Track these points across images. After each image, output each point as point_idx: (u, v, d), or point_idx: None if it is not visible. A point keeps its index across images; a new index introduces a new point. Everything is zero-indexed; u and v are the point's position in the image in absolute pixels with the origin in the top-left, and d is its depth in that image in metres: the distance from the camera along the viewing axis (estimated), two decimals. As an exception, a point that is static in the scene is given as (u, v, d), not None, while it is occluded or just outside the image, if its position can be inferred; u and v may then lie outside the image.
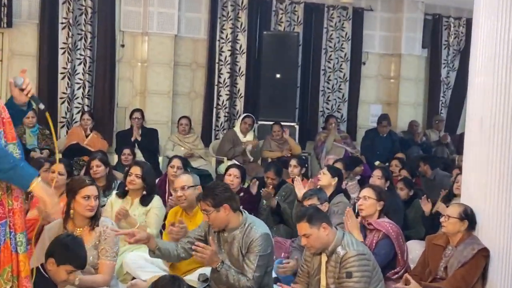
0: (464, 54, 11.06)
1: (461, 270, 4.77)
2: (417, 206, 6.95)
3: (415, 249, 5.89)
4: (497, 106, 5.01)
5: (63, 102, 9.40)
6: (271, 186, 6.79)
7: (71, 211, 4.47)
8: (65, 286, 4.11)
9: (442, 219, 5.01)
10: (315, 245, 4.26)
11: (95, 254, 4.42)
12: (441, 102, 11.92)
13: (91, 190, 4.48)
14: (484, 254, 4.84)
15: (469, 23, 10.61)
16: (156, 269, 5.11)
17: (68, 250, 3.92)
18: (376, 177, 6.91)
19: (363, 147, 10.56)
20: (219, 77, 10.30)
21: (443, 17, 11.80)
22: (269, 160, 9.07)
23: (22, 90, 3.53)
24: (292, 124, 10.02)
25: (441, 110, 11.92)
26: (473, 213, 4.95)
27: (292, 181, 7.17)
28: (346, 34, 11.12)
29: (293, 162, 7.54)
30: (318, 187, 6.45)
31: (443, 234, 5.05)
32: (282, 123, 9.63)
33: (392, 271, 5.06)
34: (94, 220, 4.50)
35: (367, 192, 5.28)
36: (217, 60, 10.25)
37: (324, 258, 4.29)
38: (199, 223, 5.00)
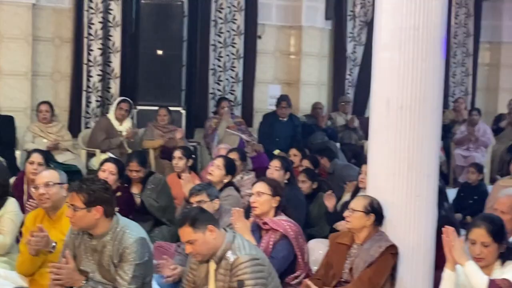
0: (372, 27, 11.29)
1: (367, 271, 4.87)
2: (321, 201, 7.07)
3: (318, 249, 5.97)
4: (405, 85, 5.16)
5: None
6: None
7: None
8: None
9: (345, 213, 5.12)
10: (202, 252, 4.23)
11: None
12: (347, 81, 12.24)
13: None
14: (392, 252, 4.97)
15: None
16: (10, 286, 5.00)
17: None
18: (274, 169, 6.99)
19: (260, 134, 10.69)
20: (88, 54, 10.17)
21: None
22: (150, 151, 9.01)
23: None
24: (178, 109, 10.02)
25: (348, 90, 12.23)
26: (380, 206, 5.07)
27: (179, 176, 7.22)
28: (238, 3, 11.22)
29: (177, 153, 7.55)
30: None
31: (348, 232, 5.15)
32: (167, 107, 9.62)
33: (292, 275, 5.14)
34: None
35: (260, 187, 5.31)
36: (85, 34, 10.11)
37: (212, 265, 4.28)
38: (64, 229, 4.88)
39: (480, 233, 4.28)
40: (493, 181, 9.78)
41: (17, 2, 9.54)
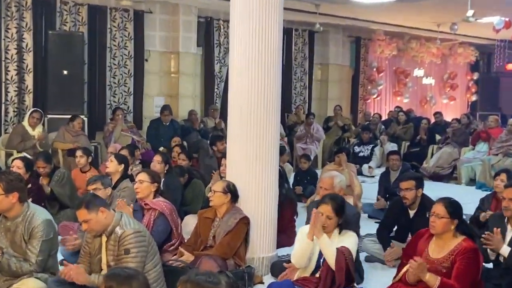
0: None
1: (226, 237, 4.97)
2: (194, 186, 7.11)
3: (191, 223, 5.98)
4: (252, 96, 5.24)
5: None
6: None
7: None
8: None
9: (209, 194, 5.15)
10: (95, 228, 4.13)
11: None
12: (215, 93, 12.22)
13: None
14: (245, 222, 5.08)
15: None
16: None
17: None
18: (156, 162, 6.93)
19: (148, 135, 10.55)
20: (6, 74, 9.72)
21: (214, 19, 12.05)
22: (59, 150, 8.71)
23: None
24: (81, 116, 9.68)
25: (216, 100, 12.22)
26: (235, 188, 5.16)
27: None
28: (128, 34, 10.99)
29: (78, 152, 7.37)
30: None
31: (212, 208, 5.19)
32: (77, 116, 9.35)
33: (168, 243, 5.14)
34: None
35: (142, 176, 5.28)
36: (3, 58, 9.66)
37: (104, 238, 4.18)
38: None
39: (326, 209, 4.36)
40: (324, 166, 10.06)
41: None
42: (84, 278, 4.09)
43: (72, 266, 4.18)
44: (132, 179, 6.57)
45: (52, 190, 6.72)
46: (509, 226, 4.65)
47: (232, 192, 5.09)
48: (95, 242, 4.27)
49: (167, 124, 10.54)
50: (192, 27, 11.66)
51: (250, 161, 5.24)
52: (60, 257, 4.91)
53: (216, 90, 12.24)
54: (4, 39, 9.60)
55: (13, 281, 4.25)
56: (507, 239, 4.57)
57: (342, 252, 4.19)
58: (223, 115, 11.83)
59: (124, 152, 7.35)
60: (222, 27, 12.14)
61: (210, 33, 12.03)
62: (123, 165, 6.44)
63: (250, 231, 5.15)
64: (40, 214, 4.36)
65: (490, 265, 4.69)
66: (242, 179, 5.24)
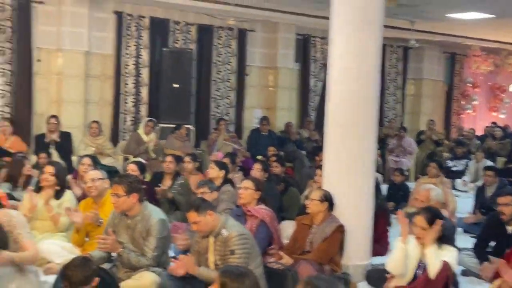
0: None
1: (323, 244, 4.93)
2: (291, 193, 7.09)
3: (289, 227, 5.95)
4: (350, 109, 5.20)
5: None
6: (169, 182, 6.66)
7: None
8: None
9: (306, 202, 5.13)
10: (204, 230, 4.25)
11: None
12: (310, 106, 12.17)
13: None
14: (341, 230, 5.02)
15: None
16: (68, 253, 4.94)
17: None
18: (257, 170, 6.98)
19: (248, 144, 10.67)
20: (125, 87, 10.14)
21: (311, 37, 12.05)
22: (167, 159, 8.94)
23: None
24: (189, 126, 9.97)
25: (311, 112, 12.17)
26: (331, 196, 5.11)
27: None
28: (232, 50, 11.18)
29: (187, 158, 7.46)
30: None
31: (309, 215, 5.17)
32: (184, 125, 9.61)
33: (270, 247, 5.14)
34: None
35: (247, 183, 5.29)
36: (122, 73, 10.08)
37: (211, 239, 4.28)
38: (107, 211, 4.95)
39: (420, 219, 4.24)
40: (416, 179, 9.77)
41: (75, 49, 9.48)
42: (194, 269, 4.20)
43: (184, 256, 4.32)
44: (233, 185, 6.73)
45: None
46: None
47: (328, 200, 5.07)
48: (203, 242, 4.36)
49: (265, 134, 10.68)
50: (290, 44, 11.73)
51: (347, 172, 5.21)
52: (171, 254, 5.06)
53: (311, 103, 12.20)
54: (123, 56, 10.04)
55: (132, 273, 4.40)
56: None
57: (444, 267, 4.06)
58: (318, 127, 11.84)
59: (226, 160, 7.49)
60: (318, 43, 12.13)
61: (307, 50, 12.05)
62: (223, 171, 6.55)
63: (345, 239, 5.10)
64: (156, 214, 4.51)
65: None
66: (338, 189, 5.19)
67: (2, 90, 9.07)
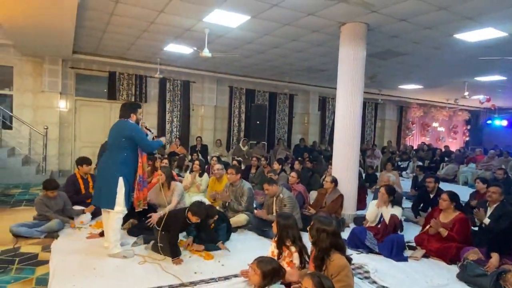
0: (335, 113, 10.98)
1: (332, 203, 4.79)
2: (315, 177, 6.86)
3: (313, 194, 5.76)
4: (345, 135, 5.06)
5: (167, 133, 9.17)
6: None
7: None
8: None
9: (324, 182, 4.99)
10: (271, 193, 4.23)
11: (171, 198, 4.34)
12: (325, 133, 11.76)
13: (159, 171, 4.37)
14: (341, 196, 4.85)
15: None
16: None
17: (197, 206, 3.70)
18: (297, 164, 6.81)
19: (293, 152, 10.34)
20: (233, 122, 10.04)
21: (326, 98, 11.70)
22: (253, 159, 8.81)
23: (145, 127, 3.64)
24: (264, 142, 9.84)
25: (326, 136, 11.71)
26: (337, 179, 4.95)
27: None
28: (286, 105, 10.87)
29: (262, 158, 7.34)
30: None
31: (325, 188, 5.02)
32: (261, 141, 9.49)
33: (304, 205, 5.01)
34: (169, 184, 4.37)
35: (293, 174, 5.15)
36: (232, 116, 9.98)
37: (274, 198, 4.26)
38: (223, 184, 4.95)
39: (383, 190, 4.00)
40: (381, 171, 9.20)
41: (210, 104, 9.54)
42: (265, 215, 4.17)
43: (260, 211, 4.23)
44: (286, 172, 6.56)
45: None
46: (489, 208, 4.02)
47: (335, 181, 4.94)
48: (270, 200, 4.33)
49: (302, 147, 10.35)
50: (315, 101, 11.41)
51: (345, 166, 5.05)
52: (254, 205, 4.98)
53: (326, 131, 11.80)
54: (232, 107, 9.99)
55: (235, 214, 4.43)
56: (488, 214, 3.96)
57: (394, 217, 3.90)
58: (329, 143, 11.50)
59: (279, 161, 7.40)
60: (330, 101, 11.77)
61: (324, 104, 11.71)
62: (280, 165, 6.44)
63: (343, 201, 4.95)
64: (246, 185, 4.52)
65: (476, 229, 4.08)
66: (340, 175, 5.04)
67: (175, 124, 9.28)
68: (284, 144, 10.79)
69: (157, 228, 3.53)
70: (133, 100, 8.56)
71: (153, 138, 3.66)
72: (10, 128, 7.46)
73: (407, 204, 6.11)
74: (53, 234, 3.97)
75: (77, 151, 8.28)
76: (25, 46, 6.65)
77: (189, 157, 8.45)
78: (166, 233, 3.52)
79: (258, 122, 9.93)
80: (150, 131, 3.73)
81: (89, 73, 8.29)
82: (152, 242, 3.72)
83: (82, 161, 4.74)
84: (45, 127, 7.31)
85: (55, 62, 7.61)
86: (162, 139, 3.73)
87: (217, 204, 4.87)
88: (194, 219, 3.52)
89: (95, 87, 8.54)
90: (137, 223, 3.94)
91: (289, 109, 11.13)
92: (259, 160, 7.38)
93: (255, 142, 9.64)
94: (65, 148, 8.09)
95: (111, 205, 3.40)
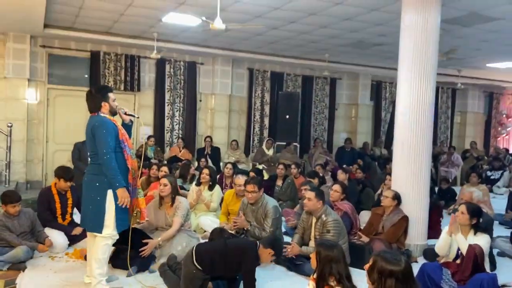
0: (395, 104, 10.91)
1: (392, 228, 4.74)
2: (366, 192, 6.87)
3: (365, 216, 5.83)
4: (410, 134, 4.97)
5: (167, 132, 9.41)
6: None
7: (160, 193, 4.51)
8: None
9: (382, 198, 4.92)
10: (310, 208, 4.20)
11: (172, 218, 4.42)
12: (381, 131, 11.73)
13: (163, 181, 4.49)
14: (405, 219, 4.79)
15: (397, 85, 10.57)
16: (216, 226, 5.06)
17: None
18: (340, 173, 6.83)
19: (336, 156, 10.44)
20: (253, 117, 10.28)
21: (382, 82, 11.64)
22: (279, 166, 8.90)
23: (125, 114, 3.67)
24: (295, 143, 9.92)
25: (381, 135, 11.72)
26: (399, 195, 4.89)
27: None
28: (326, 92, 11.05)
29: (293, 166, 7.39)
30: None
31: (381, 207, 4.98)
32: (292, 143, 9.56)
33: (352, 230, 4.99)
34: (173, 200, 4.46)
35: (337, 187, 5.15)
36: (252, 108, 10.23)
37: (314, 220, 4.25)
38: (239, 202, 4.98)
39: (463, 208, 3.92)
40: (462, 185, 9.05)
41: (224, 93, 9.77)
42: (302, 252, 4.15)
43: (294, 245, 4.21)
44: (325, 181, 6.64)
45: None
46: None
47: (397, 198, 4.85)
48: (308, 220, 4.31)
49: (348, 150, 10.38)
50: (367, 87, 11.40)
51: (410, 178, 4.96)
52: (283, 229, 5.06)
53: (382, 129, 11.74)
54: (253, 97, 10.21)
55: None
56: None
57: (473, 248, 3.75)
58: (386, 146, 11.41)
59: (319, 168, 7.42)
60: (388, 86, 11.67)
61: (379, 91, 11.64)
62: (316, 179, 6.48)
63: (408, 226, 4.85)
64: (271, 202, 4.53)
65: None
66: (403, 189, 4.96)
67: (177, 119, 9.49)
68: (323, 146, 10.79)
69: (197, 267, 3.33)
70: (122, 88, 8.76)
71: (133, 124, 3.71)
72: (-37, 126, 7.78)
73: (501, 231, 5.90)
74: (19, 266, 4.03)
75: (49, 156, 8.59)
76: (-16, 20, 6.92)
77: (196, 163, 8.63)
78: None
79: (287, 117, 9.97)
80: (132, 115, 3.71)
81: (66, 54, 8.57)
82: (164, 268, 3.76)
83: (62, 173, 4.69)
84: (9, 124, 7.47)
85: (22, 39, 7.89)
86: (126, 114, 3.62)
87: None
88: (267, 258, 3.43)
89: (73, 72, 8.85)
90: (122, 251, 3.89)
91: (330, 98, 11.10)
92: (288, 167, 7.34)
93: (283, 143, 9.66)
94: (34, 152, 8.39)
95: (97, 227, 3.46)
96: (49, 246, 4.34)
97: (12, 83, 7.90)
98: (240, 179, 5.13)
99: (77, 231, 4.62)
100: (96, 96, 3.47)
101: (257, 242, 3.54)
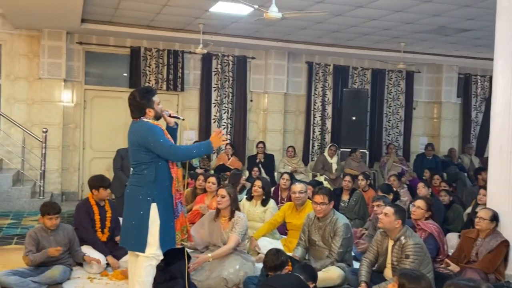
0: (488, 101, 10.44)
1: (488, 255, 4.48)
2: (454, 209, 6.58)
3: (453, 239, 5.59)
4: (510, 135, 4.69)
5: (214, 137, 9.59)
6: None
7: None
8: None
9: (476, 220, 4.66)
10: (385, 225, 4.09)
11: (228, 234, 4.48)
12: (471, 135, 11.29)
13: (220, 191, 4.56)
14: (505, 244, 4.52)
15: (491, 79, 10.08)
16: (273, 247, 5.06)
17: None
18: (421, 187, 6.61)
19: (415, 166, 10.15)
20: (313, 119, 10.26)
21: (472, 75, 11.20)
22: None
23: (169, 116, 3.80)
24: (364, 150, 9.78)
25: (472, 140, 11.27)
26: (497, 214, 4.63)
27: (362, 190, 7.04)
28: (401, 89, 10.83)
29: (360, 177, 7.28)
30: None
31: (474, 229, 4.73)
32: (359, 149, 9.45)
33: (437, 256, 4.80)
34: (231, 214, 4.52)
35: (420, 203, 4.95)
36: (312, 109, 10.23)
37: (391, 242, 4.14)
38: (302, 217, 4.98)
39: None
40: None
41: (277, 92, 9.82)
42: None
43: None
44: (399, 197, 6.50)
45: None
46: None
47: (496, 219, 4.58)
48: (384, 243, 4.21)
49: (430, 158, 10.03)
50: (453, 81, 11.01)
51: (511, 192, 4.66)
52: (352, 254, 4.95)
53: (472, 132, 11.29)
54: (313, 95, 10.20)
55: (321, 265, 4.38)
56: None
57: None
58: (478, 153, 10.92)
59: (393, 179, 7.25)
60: (479, 81, 11.21)
61: (468, 86, 11.18)
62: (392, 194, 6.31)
63: (509, 252, 4.55)
64: (341, 219, 4.48)
65: None
66: (503, 208, 4.66)
67: (225, 122, 9.65)
68: (398, 153, 10.55)
69: None
70: (164, 87, 9.01)
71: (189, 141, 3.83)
72: (-4, 131, 8.36)
73: None
74: (55, 287, 4.16)
75: (86, 165, 9.01)
76: (18, 15, 7.43)
77: (247, 173, 8.71)
78: None
79: (354, 118, 9.89)
80: (177, 117, 3.85)
81: (104, 51, 8.99)
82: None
83: (99, 182, 4.86)
84: (44, 129, 7.90)
85: (57, 36, 8.38)
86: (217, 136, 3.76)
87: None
88: None
89: (111, 71, 9.27)
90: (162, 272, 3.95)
91: (406, 96, 10.87)
92: (355, 179, 7.22)
93: (349, 150, 9.55)
94: (69, 160, 8.85)
95: (140, 246, 3.52)
96: (90, 262, 4.52)
97: (47, 84, 8.40)
98: (298, 186, 5.14)
99: (114, 264, 4.70)
100: (141, 102, 3.58)
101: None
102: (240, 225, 4.44)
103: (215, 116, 9.54)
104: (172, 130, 3.80)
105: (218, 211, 4.57)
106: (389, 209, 4.10)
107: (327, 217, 4.47)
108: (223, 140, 3.76)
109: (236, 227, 4.43)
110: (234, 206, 4.52)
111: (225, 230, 4.47)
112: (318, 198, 4.44)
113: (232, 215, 4.50)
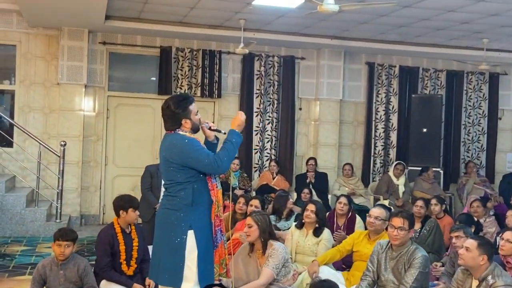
0: None
1: None
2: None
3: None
4: None
5: (256, 152, 9.61)
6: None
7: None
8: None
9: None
10: (467, 262, 3.93)
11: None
12: None
13: (248, 220, 4.56)
14: None
15: None
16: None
17: None
18: (510, 215, 6.30)
19: (501, 189, 9.83)
20: (375, 131, 10.18)
21: None
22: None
23: (209, 129, 3.79)
24: (437, 169, 9.56)
25: None
26: None
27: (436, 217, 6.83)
28: (483, 94, 10.63)
29: (433, 201, 7.06)
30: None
31: None
32: (431, 168, 9.21)
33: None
34: (264, 247, 4.48)
35: (510, 236, 4.69)
36: (373, 118, 10.16)
37: (475, 282, 3.95)
38: (373, 243, 4.89)
39: None
40: None
41: (331, 98, 9.77)
42: None
43: None
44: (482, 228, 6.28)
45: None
46: None
47: None
48: (466, 284, 4.03)
49: (521, 179, 9.68)
50: (548, 85, 10.68)
51: None
52: None
53: None
54: (374, 103, 10.12)
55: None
56: None
57: None
58: None
59: (476, 204, 7.04)
60: None
61: None
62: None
63: None
64: (421, 250, 4.37)
65: None
66: None
67: (269, 134, 9.65)
68: (480, 172, 10.31)
69: None
70: (198, 94, 9.11)
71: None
72: (9, 144, 8.60)
73: None
74: None
75: (108, 183, 9.14)
76: (35, 12, 7.65)
77: (294, 195, 8.65)
78: None
79: (425, 130, 9.73)
80: (218, 130, 3.83)
81: (130, 51, 9.17)
82: None
83: (127, 202, 4.77)
84: (62, 143, 8.03)
85: (79, 35, 8.60)
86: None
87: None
88: None
89: (138, 75, 9.45)
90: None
91: (489, 103, 10.66)
92: (428, 204, 7.00)
93: (419, 169, 9.34)
94: (90, 178, 9.00)
95: (175, 280, 3.53)
96: None
97: (66, 90, 8.62)
98: (376, 211, 5.17)
99: None
100: (176, 112, 3.59)
101: None
102: (275, 257, 4.40)
103: (257, 127, 9.56)
104: (212, 146, 3.77)
105: (252, 244, 4.55)
106: (471, 242, 3.94)
107: (404, 247, 4.35)
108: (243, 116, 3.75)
109: (270, 260, 4.40)
110: (265, 237, 4.47)
111: (261, 266, 4.42)
112: (397, 221, 4.34)
113: (265, 247, 4.48)
